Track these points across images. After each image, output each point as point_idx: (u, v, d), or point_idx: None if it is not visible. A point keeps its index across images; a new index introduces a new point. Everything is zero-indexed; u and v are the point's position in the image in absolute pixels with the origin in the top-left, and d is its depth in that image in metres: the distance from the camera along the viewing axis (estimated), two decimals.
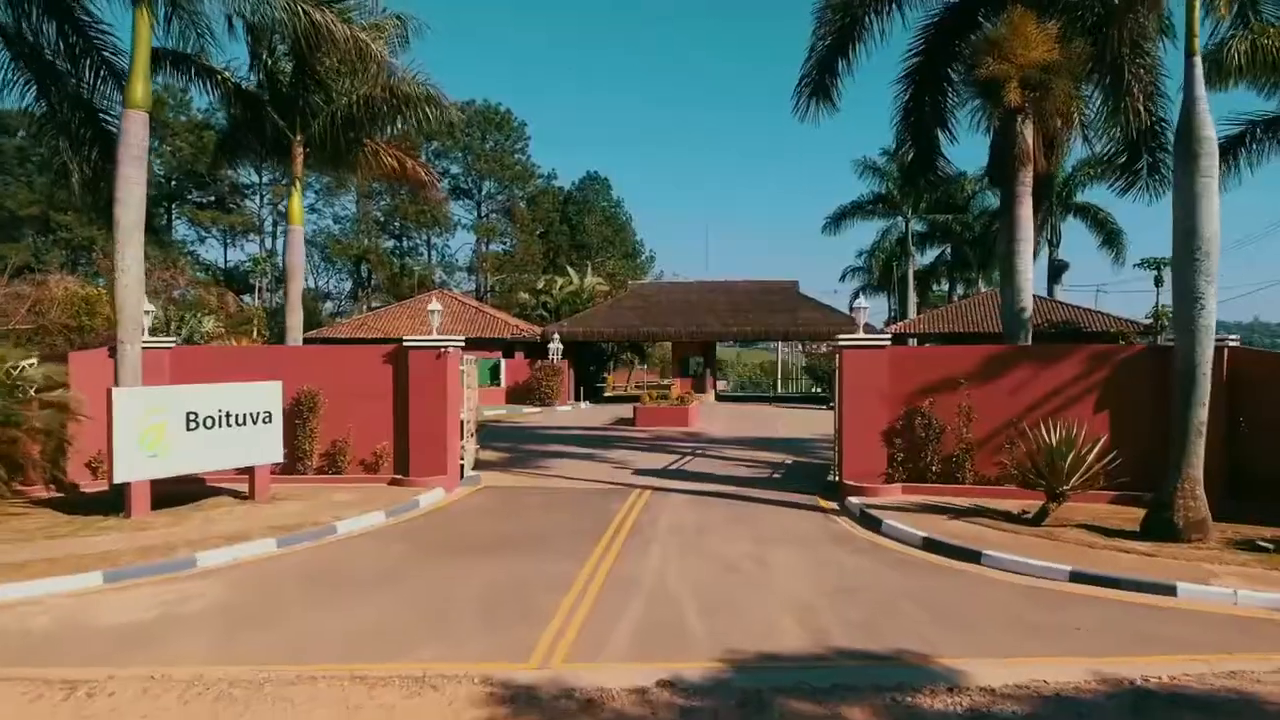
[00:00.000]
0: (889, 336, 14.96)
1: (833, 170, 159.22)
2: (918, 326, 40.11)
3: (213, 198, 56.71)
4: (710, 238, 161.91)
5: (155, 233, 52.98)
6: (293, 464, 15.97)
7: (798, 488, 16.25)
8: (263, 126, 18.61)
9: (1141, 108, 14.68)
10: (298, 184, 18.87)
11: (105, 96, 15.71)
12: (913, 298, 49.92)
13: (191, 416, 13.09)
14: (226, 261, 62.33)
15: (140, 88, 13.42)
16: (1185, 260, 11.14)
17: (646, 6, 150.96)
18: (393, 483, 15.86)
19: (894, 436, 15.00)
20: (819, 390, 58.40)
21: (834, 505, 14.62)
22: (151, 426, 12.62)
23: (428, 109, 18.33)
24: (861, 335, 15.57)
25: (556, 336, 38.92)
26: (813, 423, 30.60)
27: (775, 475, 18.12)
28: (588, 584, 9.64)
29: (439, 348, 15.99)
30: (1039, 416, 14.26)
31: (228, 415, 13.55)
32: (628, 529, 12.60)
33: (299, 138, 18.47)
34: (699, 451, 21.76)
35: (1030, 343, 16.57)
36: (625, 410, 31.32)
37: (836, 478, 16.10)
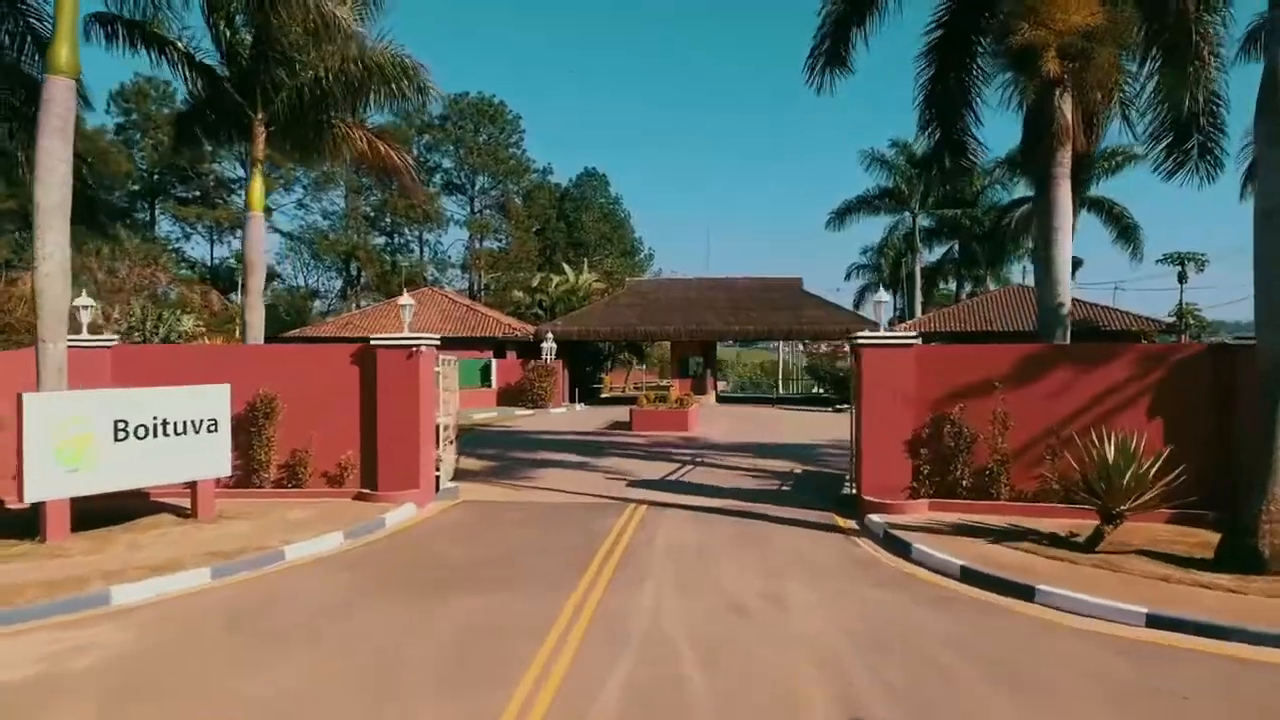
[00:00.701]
0: (915, 334, 13.38)
1: (835, 170, 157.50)
2: (926, 326, 38.48)
3: (197, 192, 54.98)
4: (711, 238, 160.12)
5: (136, 228, 51.38)
6: (248, 476, 14.35)
7: (810, 502, 14.63)
8: (223, 104, 16.96)
9: (1202, 76, 13.03)
10: (258, 166, 17.23)
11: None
12: (919, 296, 48.29)
13: (121, 425, 11.44)
14: (213, 259, 60.72)
15: (65, 51, 11.77)
16: (1271, 246, 9.52)
17: (647, 7, 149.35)
18: (358, 497, 14.22)
19: (919, 446, 13.37)
20: (821, 391, 56.80)
21: (853, 524, 13.00)
22: (72, 437, 10.98)
23: (403, 83, 16.66)
24: (883, 333, 13.94)
25: (550, 336, 37.28)
26: (819, 426, 29.04)
27: (784, 487, 16.48)
28: (569, 628, 8.02)
29: (410, 346, 14.36)
30: (1084, 424, 12.66)
31: (165, 423, 11.90)
32: (619, 554, 10.97)
33: (260, 116, 16.82)
34: (699, 459, 20.13)
35: (1068, 341, 14.95)
36: (622, 413, 29.67)
37: (854, 491, 14.48)
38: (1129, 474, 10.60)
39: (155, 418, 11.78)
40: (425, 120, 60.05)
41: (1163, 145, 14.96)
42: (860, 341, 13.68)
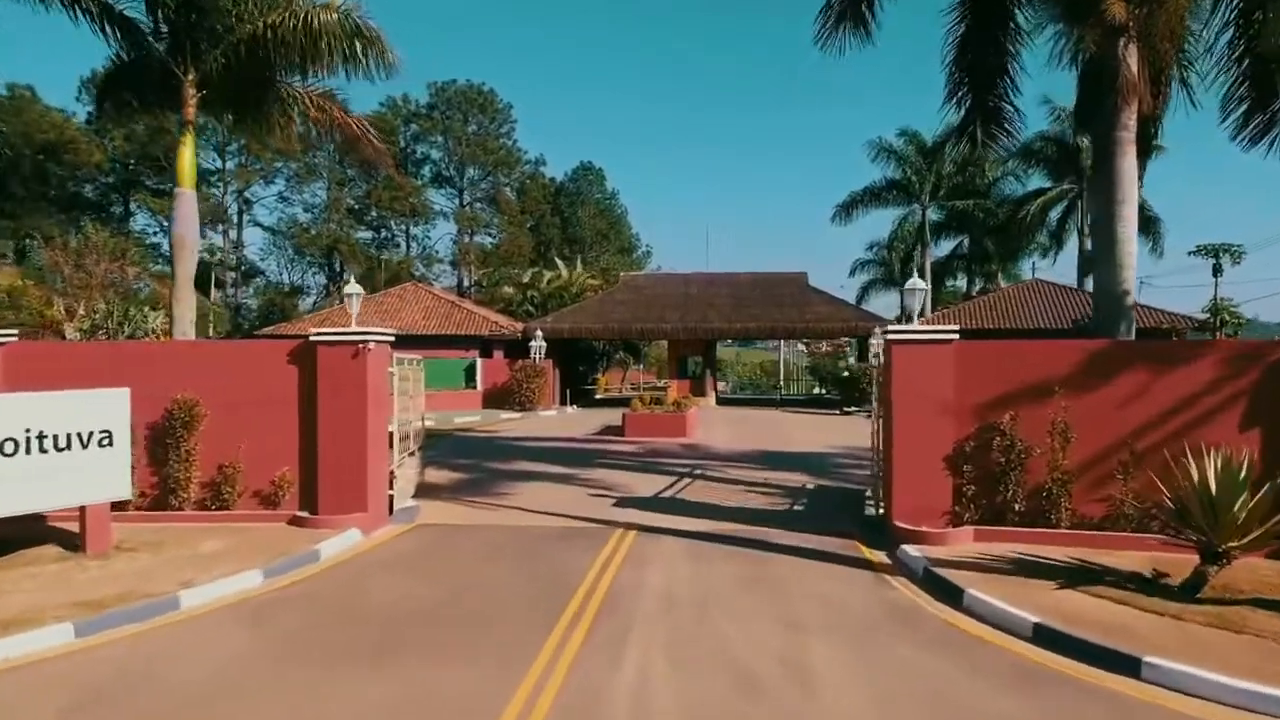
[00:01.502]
0: (955, 329, 11.22)
1: (838, 168, 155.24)
2: (936, 324, 36.30)
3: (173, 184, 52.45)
4: (710, 235, 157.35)
5: (108, 221, 49.06)
6: (165, 497, 12.15)
7: (828, 526, 12.43)
8: (149, 63, 14.73)
9: None
10: (189, 132, 14.99)
11: None
12: (929, 294, 46.05)
13: None
14: None
15: None
16: None
17: (647, 5, 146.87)
18: (294, 522, 12.02)
19: (962, 462, 11.17)
20: (825, 392, 54.66)
21: (883, 557, 10.80)
22: None
23: (357, 46, 14.43)
24: (918, 326, 11.72)
25: (539, 334, 35.01)
26: (828, 431, 26.86)
27: (797, 506, 14.27)
28: None
29: (357, 342, 12.15)
30: (1163, 437, 10.49)
31: (41, 437, 9.67)
32: (597, 602, 8.77)
33: (190, 76, 14.60)
34: (699, 471, 17.91)
35: (1132, 336, 12.74)
36: (616, 416, 27.29)
37: (881, 512, 12.31)
38: (1239, 503, 8.42)
39: (28, 430, 9.55)
40: (412, 109, 57.84)
41: (1241, 109, 12.74)
42: (892, 336, 11.46)
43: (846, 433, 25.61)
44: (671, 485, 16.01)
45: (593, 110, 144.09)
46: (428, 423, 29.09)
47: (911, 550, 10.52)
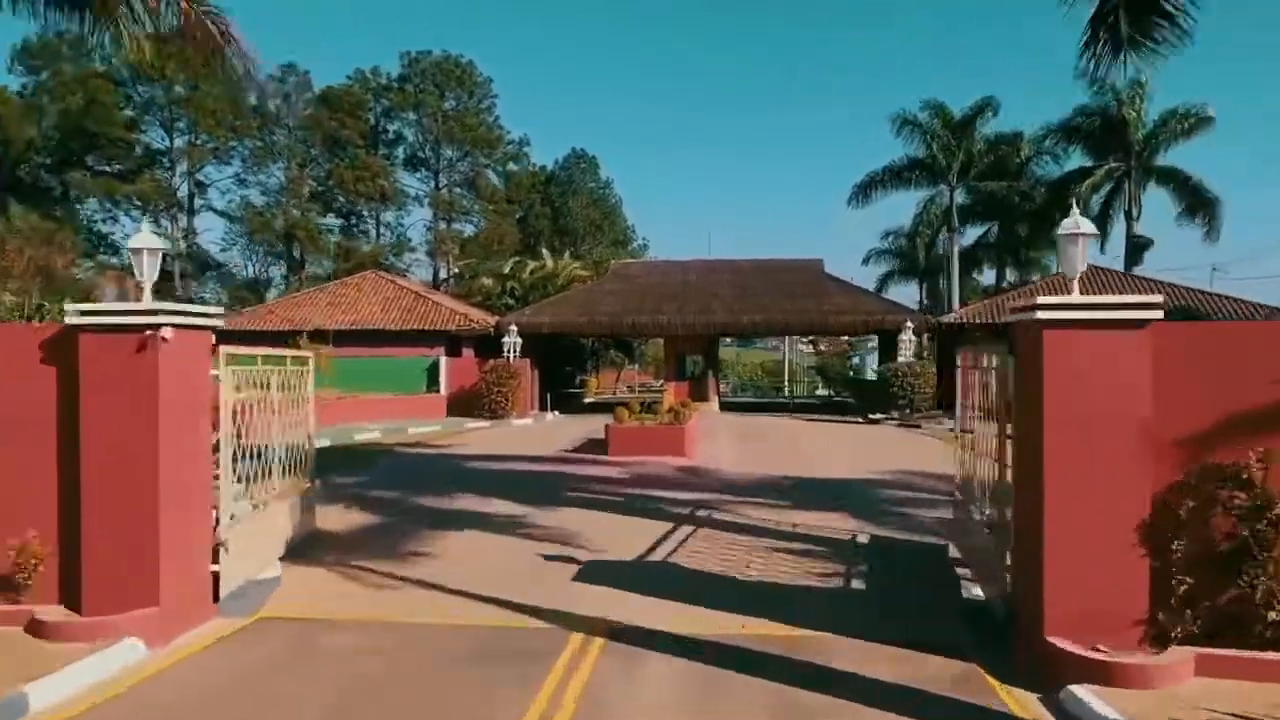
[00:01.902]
0: (1155, 300, 6.53)
1: (839, 166, 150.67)
2: (968, 318, 31.47)
3: (120, 166, 47.52)
4: (712, 234, 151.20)
5: (42, 203, 44.26)
6: None
7: (913, 626, 7.67)
8: None
9: None
10: None
11: None
12: (956, 284, 41.42)
13: None
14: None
15: None
16: None
17: (647, 5, 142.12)
18: (32, 628, 7.25)
19: (1166, 533, 6.42)
20: (835, 394, 50.02)
21: (1034, 704, 6.06)
22: None
23: None
24: (1087, 299, 6.85)
25: (514, 328, 30.09)
26: (859, 445, 22.10)
27: (854, 582, 9.42)
28: None
29: (145, 327, 7.38)
30: None
31: None
32: None
33: None
34: (702, 511, 13.06)
35: None
36: (603, 426, 22.53)
37: (1003, 602, 7.54)
38: None
39: None
40: (382, 82, 52.65)
41: None
42: (1043, 316, 6.61)
43: (883, 448, 20.90)
44: (664, 538, 11.17)
45: (592, 110, 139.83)
46: (369, 435, 24.32)
47: (1086, 697, 5.77)
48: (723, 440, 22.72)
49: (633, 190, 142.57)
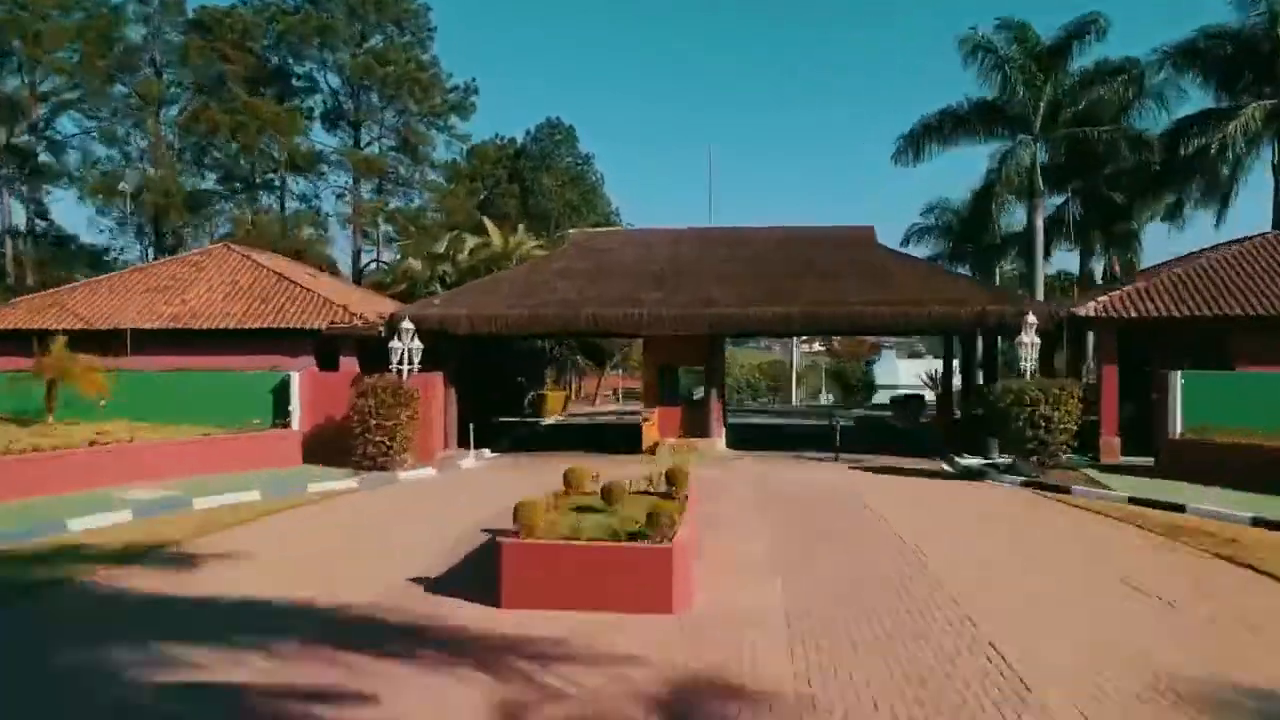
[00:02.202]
0: None
1: (839, 166, 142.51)
2: (1119, 308, 20.73)
3: None
4: (713, 204, 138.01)
5: None
6: None
7: None
8: None
9: None
10: None
11: None
12: (1040, 266, 30.93)
13: None
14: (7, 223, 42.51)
15: None
16: None
17: (647, 5, 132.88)
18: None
19: None
20: (840, 400, 39.61)
21: None
22: None
23: None
24: None
25: (408, 326, 19.19)
26: (1016, 548, 11.19)
27: None
28: None
29: None
30: None
31: None
32: None
33: None
34: None
35: None
36: (553, 477, 11.51)
37: None
38: None
39: None
40: (281, 6, 40.92)
41: None
42: None
43: (1067, 560, 10.31)
44: None
45: (593, 110, 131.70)
46: (106, 520, 11.69)
47: None
48: (746, 535, 12.06)
49: (633, 190, 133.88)
